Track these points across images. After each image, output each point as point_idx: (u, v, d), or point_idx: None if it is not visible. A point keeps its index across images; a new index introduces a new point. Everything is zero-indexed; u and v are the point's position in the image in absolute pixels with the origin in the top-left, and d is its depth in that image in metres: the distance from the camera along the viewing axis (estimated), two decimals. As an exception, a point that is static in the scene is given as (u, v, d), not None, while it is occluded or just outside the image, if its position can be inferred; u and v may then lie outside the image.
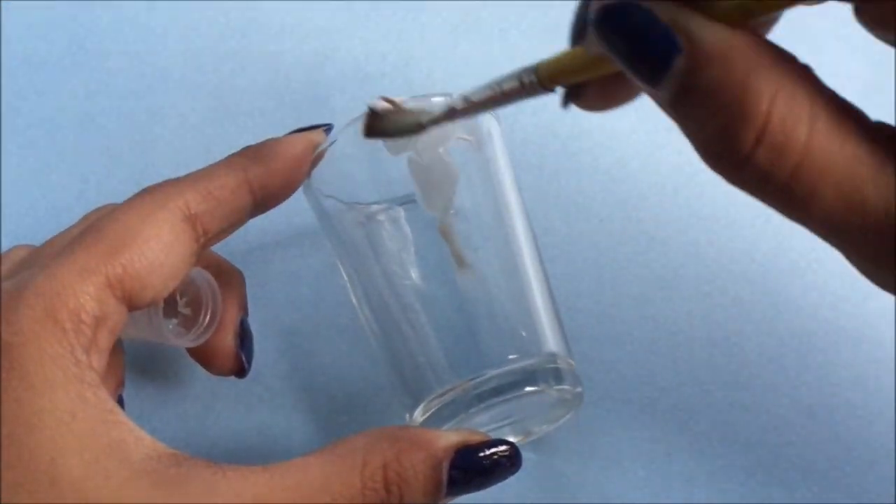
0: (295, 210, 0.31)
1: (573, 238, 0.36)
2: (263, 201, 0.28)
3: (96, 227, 0.25)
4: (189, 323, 0.29)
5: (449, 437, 0.24)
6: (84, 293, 0.23)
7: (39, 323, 0.23)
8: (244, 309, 0.31)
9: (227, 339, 0.30)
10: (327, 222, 0.30)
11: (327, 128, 0.30)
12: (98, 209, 0.29)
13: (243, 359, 0.31)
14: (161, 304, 0.28)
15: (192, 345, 0.30)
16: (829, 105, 0.18)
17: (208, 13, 0.42)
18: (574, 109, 0.23)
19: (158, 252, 0.25)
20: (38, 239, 0.29)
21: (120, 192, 0.28)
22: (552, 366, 0.27)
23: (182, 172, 0.28)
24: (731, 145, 0.18)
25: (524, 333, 0.28)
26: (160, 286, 0.25)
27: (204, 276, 0.29)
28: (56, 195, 0.38)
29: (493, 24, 0.42)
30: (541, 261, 0.29)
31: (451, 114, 0.25)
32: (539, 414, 0.30)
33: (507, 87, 0.23)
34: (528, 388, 0.27)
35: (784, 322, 0.35)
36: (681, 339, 0.35)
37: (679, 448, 0.32)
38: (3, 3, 0.42)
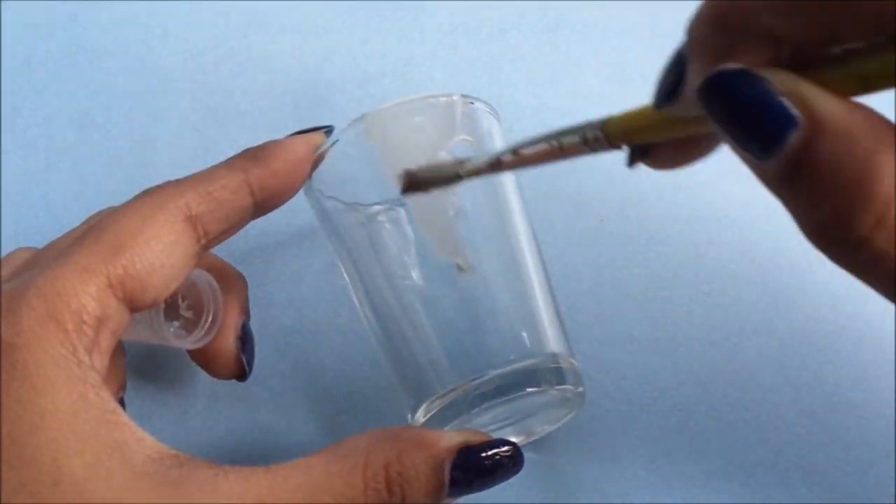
0: (295, 210, 0.31)
1: (573, 238, 0.36)
2: (264, 203, 0.28)
3: (97, 228, 0.25)
4: (191, 325, 0.29)
5: (451, 438, 0.24)
6: (86, 294, 0.23)
7: (41, 323, 0.23)
8: (246, 312, 0.31)
9: (229, 343, 0.30)
10: (328, 223, 0.30)
11: (328, 129, 0.30)
12: (100, 212, 0.29)
13: (244, 362, 0.31)
14: (162, 306, 0.28)
15: (193, 347, 0.30)
16: None
17: (208, 13, 0.42)
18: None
19: (159, 253, 0.25)
20: (38, 239, 0.29)
21: (120, 192, 0.28)
22: (554, 366, 0.27)
23: (182, 172, 0.28)
24: (846, 227, 0.17)
25: (525, 333, 0.28)
26: (161, 287, 0.25)
27: (205, 278, 0.29)
28: (56, 195, 0.38)
29: (493, 24, 0.42)
30: (542, 260, 0.29)
31: (495, 166, 0.23)
32: (541, 414, 0.30)
33: (566, 142, 0.22)
34: (530, 389, 0.27)
35: (784, 322, 0.35)
36: (681, 339, 0.35)
37: (679, 448, 0.33)
38: (3, 3, 0.42)
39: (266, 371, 0.34)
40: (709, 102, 0.18)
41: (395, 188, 0.28)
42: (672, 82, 0.20)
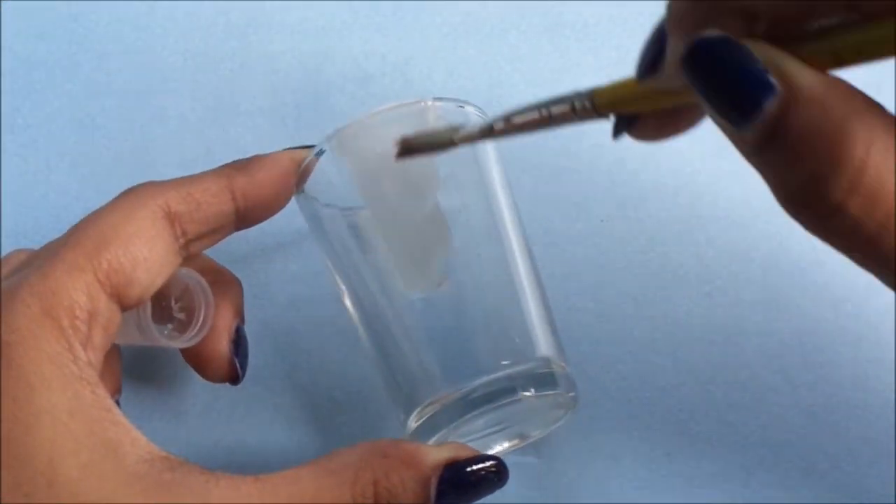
0: (295, 211, 0.31)
1: (573, 238, 0.36)
2: (247, 211, 0.29)
3: (81, 227, 0.25)
4: (184, 328, 0.30)
5: (438, 454, 0.25)
6: (76, 290, 0.24)
7: (36, 321, 0.23)
8: (240, 316, 0.31)
9: (222, 346, 0.30)
10: (319, 229, 0.30)
11: (315, 148, 0.30)
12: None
13: (237, 366, 0.31)
14: (148, 304, 0.28)
15: (184, 345, 0.30)
16: None
17: (208, 13, 0.42)
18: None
19: (141, 247, 0.25)
20: (38, 239, 0.29)
21: (120, 192, 0.28)
22: (546, 370, 0.27)
23: (182, 172, 0.28)
24: (821, 192, 0.17)
25: (517, 339, 0.28)
26: (146, 282, 0.26)
27: (195, 278, 0.29)
28: (56, 195, 0.38)
29: (493, 24, 0.42)
30: (534, 264, 0.29)
31: (486, 132, 0.24)
32: (534, 418, 0.30)
33: (555, 110, 0.22)
34: (522, 394, 0.26)
35: (784, 322, 0.35)
36: (681, 339, 0.35)
37: (679, 448, 0.32)
38: (3, 3, 0.42)
39: (265, 370, 0.34)
40: (690, 68, 0.18)
41: (363, 203, 0.28)
42: (653, 55, 0.20)
